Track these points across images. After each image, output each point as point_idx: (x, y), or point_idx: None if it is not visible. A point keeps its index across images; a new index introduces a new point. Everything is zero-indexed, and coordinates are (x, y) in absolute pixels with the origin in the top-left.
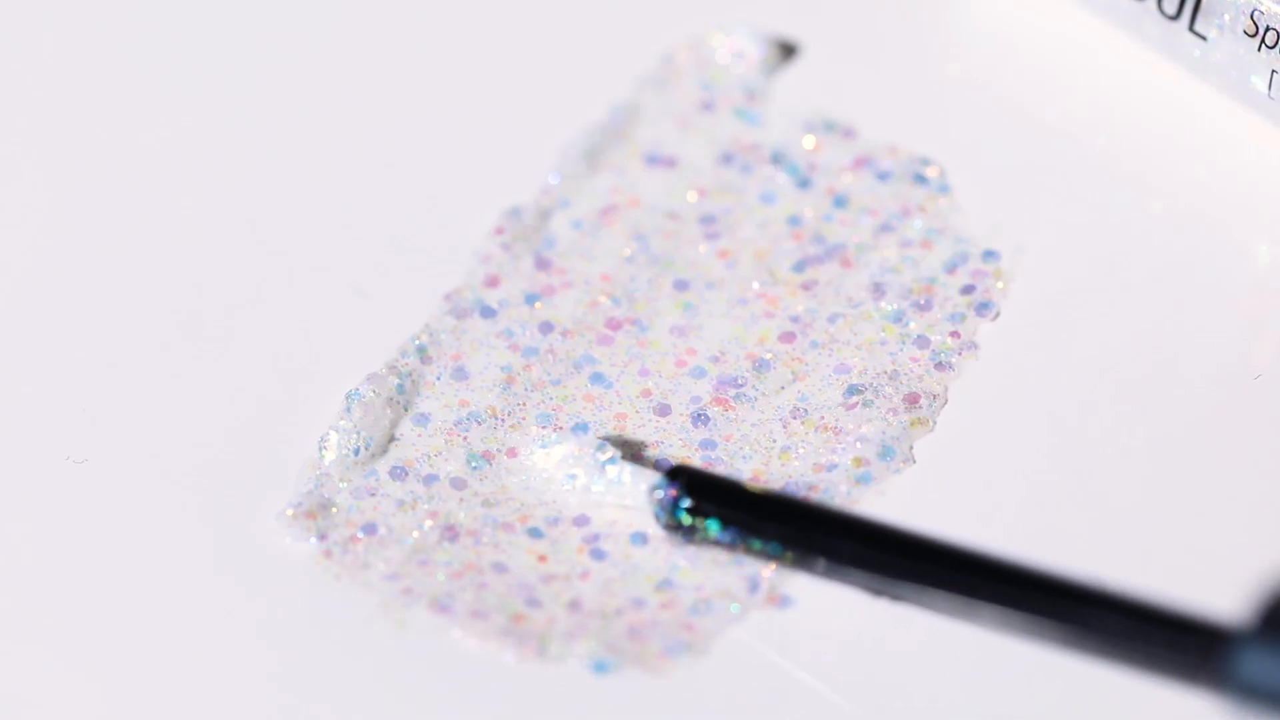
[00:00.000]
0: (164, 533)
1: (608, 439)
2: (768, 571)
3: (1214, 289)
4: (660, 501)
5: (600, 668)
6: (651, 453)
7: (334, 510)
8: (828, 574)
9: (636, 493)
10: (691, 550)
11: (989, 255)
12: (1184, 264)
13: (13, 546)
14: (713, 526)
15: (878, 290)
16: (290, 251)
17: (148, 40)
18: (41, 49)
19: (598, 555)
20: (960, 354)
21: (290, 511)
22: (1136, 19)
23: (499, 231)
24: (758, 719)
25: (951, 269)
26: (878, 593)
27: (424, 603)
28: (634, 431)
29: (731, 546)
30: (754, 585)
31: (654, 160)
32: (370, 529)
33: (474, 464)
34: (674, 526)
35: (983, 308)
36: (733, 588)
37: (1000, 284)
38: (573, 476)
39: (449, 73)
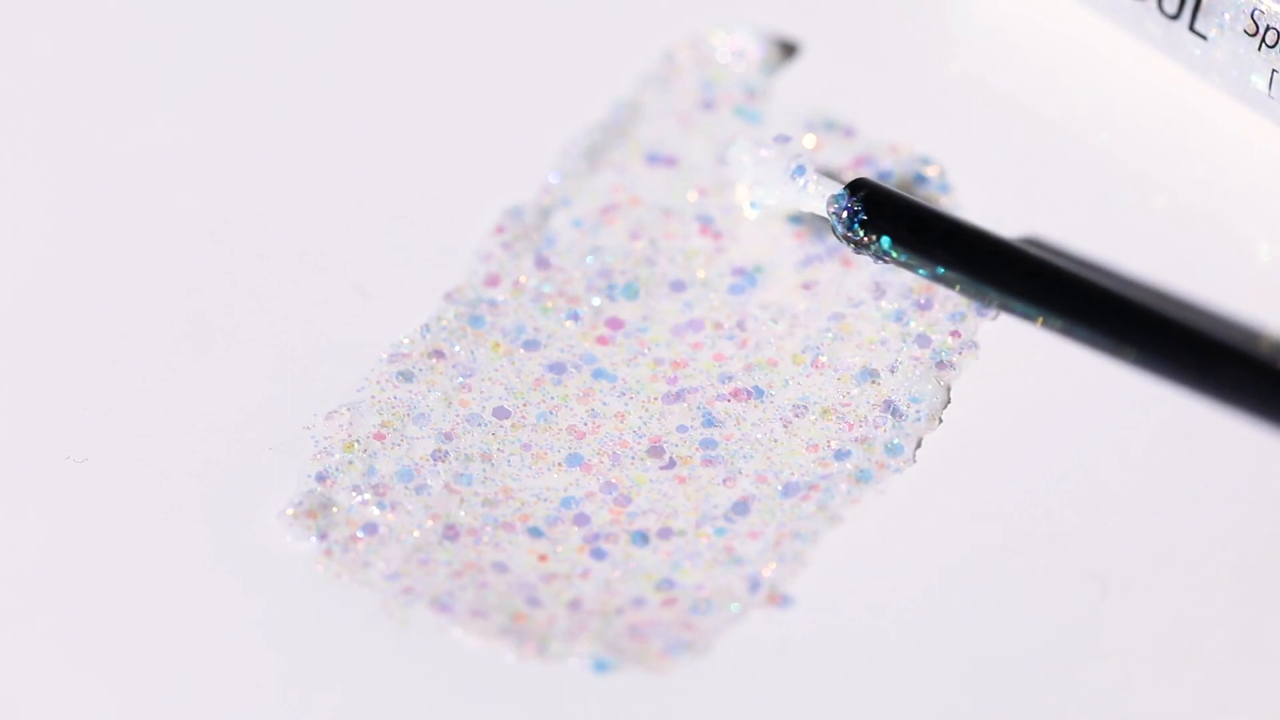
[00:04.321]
0: (164, 532)
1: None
2: (768, 571)
3: (1214, 288)
4: (838, 213)
5: (600, 667)
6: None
7: (334, 509)
8: (990, 302)
9: (818, 201)
10: (866, 258)
11: None
12: (1184, 262)
13: (13, 546)
14: (885, 242)
15: (878, 289)
16: (291, 251)
17: (149, 40)
18: (42, 49)
19: (598, 555)
20: (961, 353)
21: (290, 511)
22: (1137, 18)
23: (499, 230)
24: (758, 719)
25: None
26: (1032, 319)
27: (424, 602)
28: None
29: (901, 262)
30: (754, 585)
31: (655, 159)
32: (371, 528)
33: (475, 464)
34: (849, 238)
35: (983, 307)
36: (733, 587)
37: None
38: (761, 181)
39: (449, 72)
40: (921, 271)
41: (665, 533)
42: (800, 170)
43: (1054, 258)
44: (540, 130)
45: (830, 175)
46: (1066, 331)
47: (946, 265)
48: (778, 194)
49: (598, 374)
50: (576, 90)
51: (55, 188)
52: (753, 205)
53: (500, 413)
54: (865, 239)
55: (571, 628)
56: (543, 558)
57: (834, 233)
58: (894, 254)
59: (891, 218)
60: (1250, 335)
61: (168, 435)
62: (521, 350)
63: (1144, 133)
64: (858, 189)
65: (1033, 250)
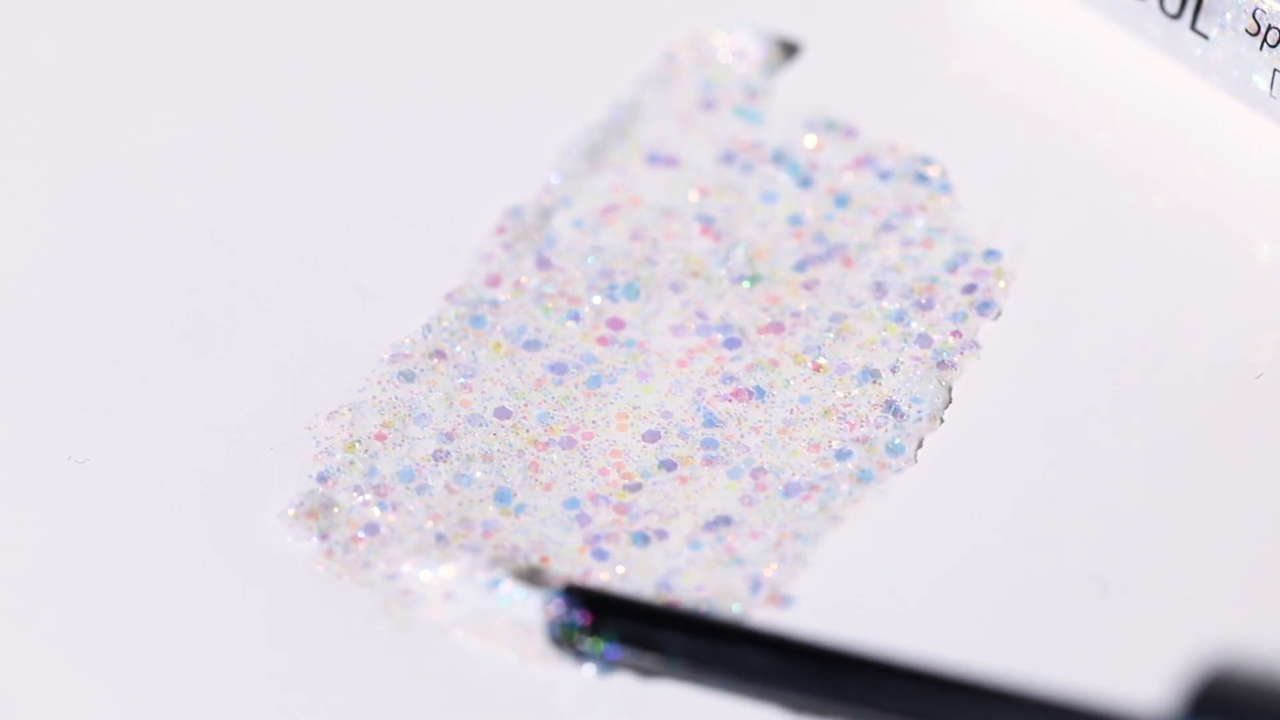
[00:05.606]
0: (164, 532)
1: (496, 561)
2: (769, 572)
3: (1214, 288)
4: (554, 618)
5: (602, 668)
6: (545, 574)
7: (335, 510)
8: (735, 690)
9: (528, 609)
10: (585, 666)
11: (990, 254)
12: (1185, 263)
13: (13, 546)
14: (608, 642)
15: (879, 289)
16: (291, 251)
17: (150, 40)
18: (42, 49)
19: (600, 555)
20: (962, 353)
21: (291, 511)
22: (1138, 17)
23: (500, 230)
24: (757, 719)
25: (953, 268)
26: (789, 706)
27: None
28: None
29: (628, 662)
30: (755, 586)
31: (655, 159)
32: (372, 529)
33: (476, 464)
34: (567, 644)
35: (984, 307)
36: (734, 588)
37: (1002, 283)
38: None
39: (449, 72)
40: (650, 664)
41: (664, 533)
42: (496, 582)
43: (791, 638)
44: (540, 130)
45: (524, 578)
46: (817, 709)
47: (683, 654)
48: (480, 610)
49: (593, 381)
50: (576, 90)
51: (55, 188)
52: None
53: (501, 413)
54: (584, 644)
55: None
56: (544, 559)
57: (549, 637)
58: (619, 652)
59: (617, 615)
60: None
61: (168, 435)
62: (523, 350)
63: (1144, 133)
64: (571, 591)
65: (766, 631)
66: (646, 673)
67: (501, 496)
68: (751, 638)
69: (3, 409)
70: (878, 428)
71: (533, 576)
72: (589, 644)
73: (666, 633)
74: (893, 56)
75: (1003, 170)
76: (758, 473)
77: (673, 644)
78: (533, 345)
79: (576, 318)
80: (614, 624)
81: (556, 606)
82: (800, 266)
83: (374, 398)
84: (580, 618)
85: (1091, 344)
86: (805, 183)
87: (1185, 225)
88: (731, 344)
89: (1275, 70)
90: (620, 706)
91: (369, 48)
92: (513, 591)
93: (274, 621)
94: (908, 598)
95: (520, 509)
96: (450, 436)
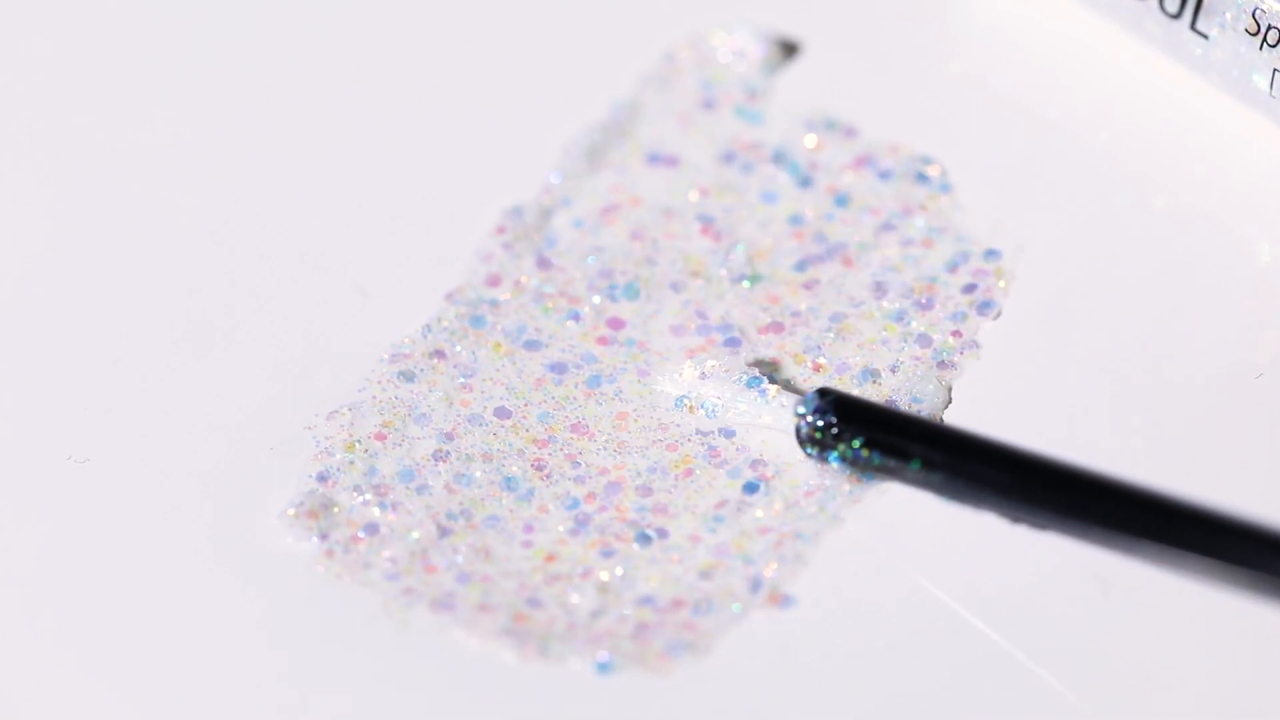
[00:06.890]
0: (165, 533)
1: (752, 362)
2: (769, 571)
3: (1214, 288)
4: (806, 421)
5: (603, 668)
6: (784, 375)
7: (335, 510)
8: (969, 500)
9: (780, 412)
10: (830, 470)
11: (990, 254)
12: (1185, 262)
13: (13, 546)
14: (856, 446)
15: (879, 289)
16: (291, 251)
17: (150, 40)
18: (42, 49)
19: (606, 553)
20: (962, 353)
21: (292, 511)
22: (1138, 17)
23: (500, 230)
24: (758, 719)
25: (953, 268)
26: (1016, 520)
27: (425, 602)
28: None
29: (872, 467)
30: (755, 585)
31: (655, 159)
32: (372, 529)
33: (476, 464)
34: (818, 446)
35: (984, 307)
36: (734, 587)
37: (1002, 283)
38: (715, 399)
39: (450, 71)
40: (890, 472)
41: (665, 532)
42: (755, 381)
43: (1025, 450)
44: (540, 130)
45: (784, 385)
46: (1049, 526)
47: (924, 464)
48: (736, 408)
49: (593, 381)
50: (576, 90)
51: (55, 188)
52: (709, 414)
53: (501, 413)
54: (835, 443)
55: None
56: (549, 558)
57: (798, 438)
58: (864, 458)
59: (863, 421)
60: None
61: (168, 435)
62: (523, 350)
63: (1144, 133)
64: (824, 395)
65: (1004, 443)
66: (888, 475)
67: (509, 484)
68: (993, 452)
69: (3, 409)
70: None
71: (784, 380)
72: (838, 447)
73: (911, 441)
74: (893, 56)
75: (1003, 170)
76: (758, 466)
77: (917, 452)
78: (533, 345)
79: (576, 318)
80: (862, 429)
81: (811, 409)
82: (800, 266)
83: (374, 398)
84: (831, 420)
85: (1091, 344)
86: (805, 183)
87: (1185, 225)
88: (731, 344)
89: (1275, 70)
90: (622, 708)
91: (369, 48)
92: (770, 391)
93: (274, 622)
94: (907, 597)
95: (531, 493)
96: (450, 436)
